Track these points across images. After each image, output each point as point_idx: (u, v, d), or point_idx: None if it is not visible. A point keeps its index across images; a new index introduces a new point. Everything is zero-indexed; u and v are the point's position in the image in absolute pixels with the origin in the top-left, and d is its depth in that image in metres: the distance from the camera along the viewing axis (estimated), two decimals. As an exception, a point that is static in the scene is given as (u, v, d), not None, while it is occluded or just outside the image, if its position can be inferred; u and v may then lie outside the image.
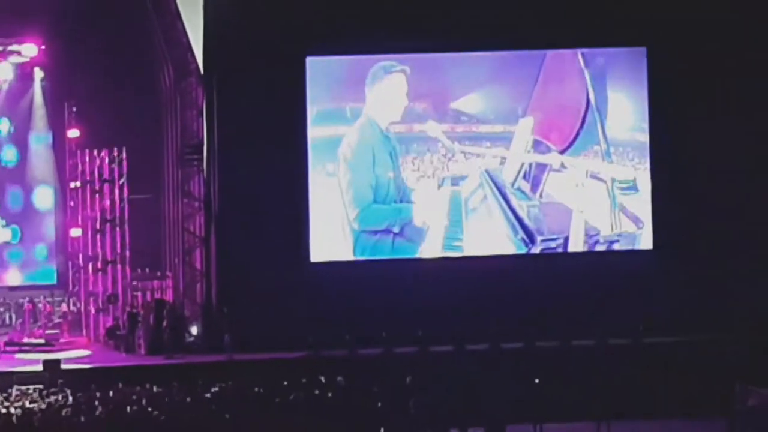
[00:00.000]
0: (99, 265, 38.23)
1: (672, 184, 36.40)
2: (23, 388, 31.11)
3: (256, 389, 29.62)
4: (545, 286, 35.30)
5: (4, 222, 40.18)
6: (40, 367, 32.92)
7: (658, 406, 28.29)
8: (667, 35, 36.15)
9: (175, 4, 35.73)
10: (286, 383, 29.84)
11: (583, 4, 35.67)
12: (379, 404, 27.75)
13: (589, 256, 37.05)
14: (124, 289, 37.93)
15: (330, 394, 29.20)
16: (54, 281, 40.16)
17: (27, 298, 38.99)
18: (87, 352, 36.37)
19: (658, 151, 36.64)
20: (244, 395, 29.45)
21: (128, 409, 27.92)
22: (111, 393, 29.71)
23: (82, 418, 26.93)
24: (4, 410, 28.09)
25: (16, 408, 28.36)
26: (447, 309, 33.92)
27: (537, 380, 29.48)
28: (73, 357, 35.16)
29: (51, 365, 32.98)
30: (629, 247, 37.25)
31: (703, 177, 35.94)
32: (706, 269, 35.47)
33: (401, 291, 34.82)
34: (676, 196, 36.31)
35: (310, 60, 36.10)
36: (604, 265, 36.50)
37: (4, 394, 30.23)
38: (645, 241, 37.18)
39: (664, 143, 36.61)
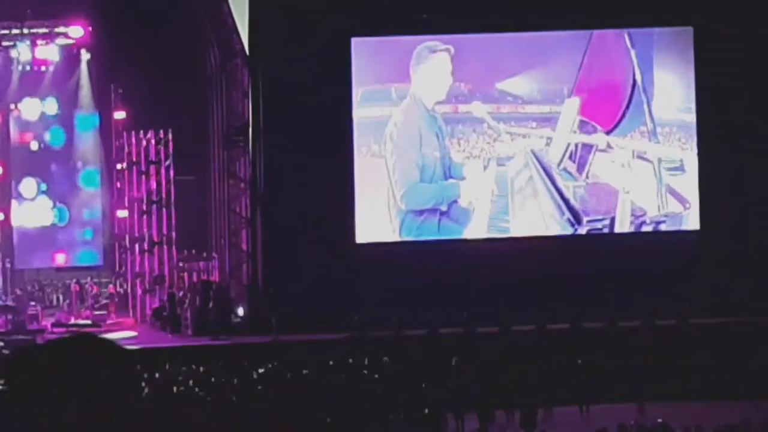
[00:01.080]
0: (145, 246, 38.47)
1: (719, 164, 36.29)
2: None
3: (302, 371, 29.87)
4: (592, 267, 35.19)
5: (51, 203, 40.33)
6: (85, 345, 33.23)
7: (704, 387, 28.07)
8: (713, 16, 36.00)
9: (221, -16, 35.95)
10: (331, 363, 30.05)
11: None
12: (423, 384, 27.91)
13: (635, 236, 37.16)
14: (170, 271, 38.15)
15: (375, 375, 29.40)
16: (101, 262, 40.27)
17: (74, 280, 39.17)
18: (133, 333, 36.61)
19: (705, 131, 36.57)
20: (290, 376, 29.66)
21: (174, 389, 28.17)
22: (157, 374, 29.97)
23: (129, 396, 27.21)
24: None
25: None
26: (493, 290, 33.94)
27: (580, 361, 29.62)
28: (120, 338, 35.33)
29: (97, 344, 33.30)
30: (676, 228, 37.24)
31: (750, 158, 35.79)
32: (753, 250, 35.30)
33: (447, 272, 34.84)
34: (723, 177, 36.24)
35: (355, 41, 36.21)
36: (651, 246, 36.59)
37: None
38: (692, 221, 37.20)
39: (711, 124, 36.57)
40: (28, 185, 40.11)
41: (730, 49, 35.93)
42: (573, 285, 34.24)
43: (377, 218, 36.65)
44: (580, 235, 37.06)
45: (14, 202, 40.03)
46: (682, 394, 27.59)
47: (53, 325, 36.91)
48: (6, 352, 33.06)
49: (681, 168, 36.99)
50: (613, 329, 33.20)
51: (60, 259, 40.62)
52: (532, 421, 25.25)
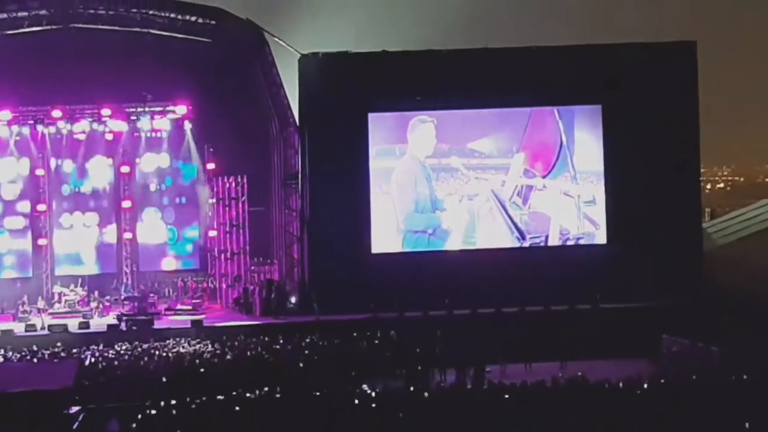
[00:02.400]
0: (228, 255, 38.60)
1: (619, 198, 36.58)
2: (177, 339, 31.60)
3: (335, 340, 30.08)
4: (532, 270, 35.34)
5: (164, 226, 40.49)
6: (189, 325, 33.41)
7: (607, 350, 28.16)
8: (615, 98, 36.37)
9: (279, 77, 36.15)
10: (355, 335, 30.25)
11: (558, 76, 35.77)
12: (418, 350, 28.07)
13: (562, 248, 37.28)
14: (245, 272, 38.23)
15: (385, 343, 29.63)
16: (198, 267, 40.40)
17: (180, 278, 39.34)
18: (222, 314, 36.90)
19: (610, 176, 36.88)
20: (326, 344, 29.86)
21: (248, 353, 28.39)
22: (236, 342, 30.20)
23: (216, 360, 27.40)
24: (164, 354, 28.56)
25: (172, 352, 28.81)
26: (465, 285, 33.98)
27: (526, 333, 29.86)
28: (213, 318, 35.58)
29: (196, 323, 33.52)
30: (590, 242, 37.43)
31: (641, 194, 36.09)
32: (642, 256, 35.54)
33: (434, 272, 34.98)
34: (622, 207, 36.47)
35: (371, 115, 36.40)
36: (573, 255, 36.72)
37: (164, 343, 30.64)
38: (600, 238, 37.47)
39: (613, 171, 36.86)
40: (148, 214, 40.25)
41: (627, 121, 36.35)
42: (520, 281, 34.34)
43: (386, 236, 36.81)
44: (525, 247, 37.18)
45: (139, 225, 40.22)
46: (594, 355, 27.54)
47: (165, 309, 37.17)
48: (135, 328, 33.35)
49: (593, 201, 37.22)
50: (546, 311, 33.33)
51: (170, 264, 40.73)
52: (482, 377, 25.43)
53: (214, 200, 38.85)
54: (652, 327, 29.70)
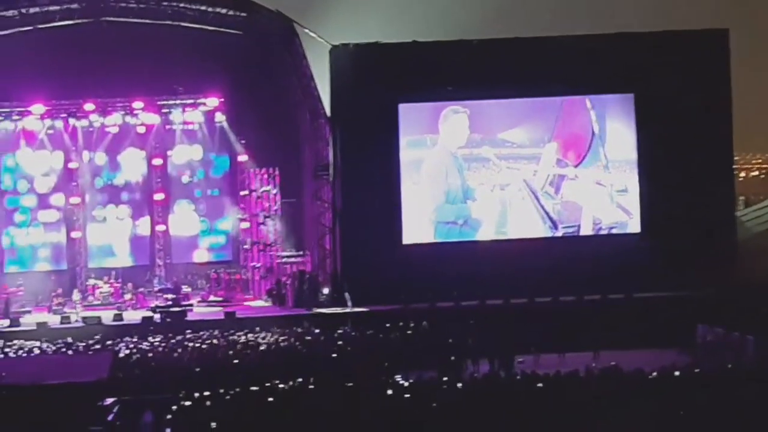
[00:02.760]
0: (261, 247, 38.77)
1: (652, 187, 36.34)
2: (211, 330, 31.71)
3: (367, 331, 30.11)
4: (565, 258, 35.24)
5: (197, 218, 40.70)
6: (222, 317, 33.52)
7: (640, 340, 28.02)
8: (647, 86, 36.11)
9: (310, 69, 36.11)
10: (387, 326, 30.26)
11: (590, 65, 35.61)
12: (450, 340, 28.06)
13: (595, 237, 37.15)
14: (277, 264, 38.40)
15: (417, 334, 29.62)
16: (230, 258, 40.56)
17: (213, 270, 39.52)
18: (255, 305, 37.13)
19: (643, 165, 36.60)
20: (358, 335, 29.90)
21: (281, 345, 28.49)
22: (269, 334, 30.29)
23: (249, 352, 27.49)
24: (197, 345, 28.67)
25: (205, 344, 28.92)
26: (498, 275, 33.85)
27: (558, 322, 29.79)
28: (246, 310, 35.71)
29: (229, 315, 33.61)
30: (623, 231, 37.26)
31: (674, 182, 35.86)
32: (675, 245, 35.37)
33: (465, 263, 34.86)
34: (655, 196, 36.28)
35: (401, 106, 36.32)
36: (605, 244, 36.58)
37: (197, 335, 30.75)
38: (633, 226, 37.25)
39: (646, 159, 36.57)
40: (181, 206, 40.49)
41: (660, 109, 36.07)
42: (552, 271, 34.20)
43: (417, 226, 36.78)
44: (557, 237, 37.08)
45: (172, 217, 40.41)
46: (627, 345, 27.37)
47: (198, 301, 37.41)
48: (168, 320, 33.49)
49: (626, 190, 36.98)
50: (579, 301, 33.19)
51: (203, 256, 40.92)
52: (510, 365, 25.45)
53: (247, 192, 39.02)
54: (686, 317, 29.53)
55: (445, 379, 22.65)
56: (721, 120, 36.80)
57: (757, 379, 21.26)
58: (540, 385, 21.18)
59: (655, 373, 21.37)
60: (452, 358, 26.48)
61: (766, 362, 22.96)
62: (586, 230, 37.35)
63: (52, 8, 37.58)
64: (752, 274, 35.08)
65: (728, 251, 36.64)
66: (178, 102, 38.69)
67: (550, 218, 37.27)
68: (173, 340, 29.82)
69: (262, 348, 27.99)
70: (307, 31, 36.25)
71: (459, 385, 21.99)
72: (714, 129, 36.74)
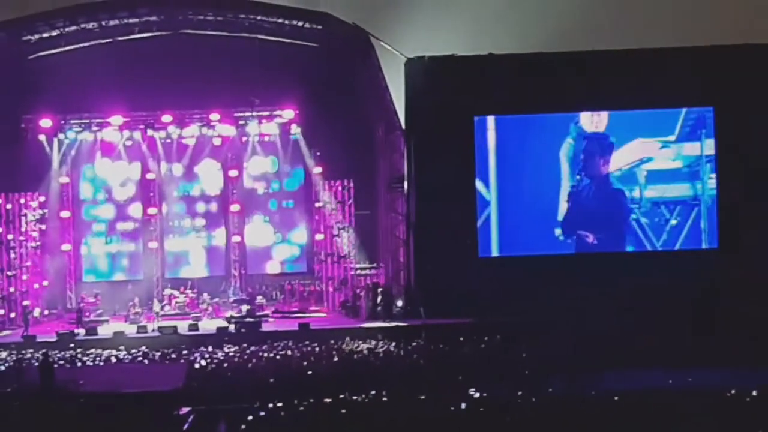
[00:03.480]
0: (335, 258, 38.85)
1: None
2: (285, 341, 31.82)
3: (440, 344, 30.00)
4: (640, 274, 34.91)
5: (272, 230, 40.94)
6: (296, 328, 33.61)
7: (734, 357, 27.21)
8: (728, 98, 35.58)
9: (385, 81, 36.16)
10: (461, 339, 30.15)
11: (666, 77, 35.22)
12: (524, 355, 27.87)
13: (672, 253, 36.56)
14: (351, 276, 38.47)
15: (491, 348, 29.47)
16: (305, 270, 40.71)
17: (287, 281, 39.77)
18: (328, 317, 37.12)
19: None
20: (433, 348, 29.80)
21: (355, 357, 28.47)
22: (343, 346, 30.31)
23: (324, 363, 27.53)
24: (272, 356, 28.77)
25: (280, 355, 29.04)
26: (572, 289, 33.61)
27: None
28: (320, 321, 35.76)
29: (303, 326, 33.69)
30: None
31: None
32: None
33: (541, 280, 34.61)
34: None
35: (478, 119, 36.18)
36: (684, 260, 36.05)
37: (271, 345, 30.85)
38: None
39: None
40: (256, 218, 40.80)
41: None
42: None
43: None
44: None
45: (247, 228, 40.70)
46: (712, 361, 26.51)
47: (273, 312, 37.62)
48: (243, 330, 33.64)
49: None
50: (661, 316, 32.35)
51: (277, 267, 41.13)
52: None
53: (321, 204, 39.13)
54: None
55: (519, 393, 22.54)
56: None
57: None
58: (616, 399, 21.04)
59: (733, 391, 21.07)
60: (526, 372, 26.27)
61: None
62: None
63: (131, 21, 38.15)
64: None
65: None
66: (254, 114, 38.97)
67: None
68: (248, 351, 29.99)
69: (335, 359, 28.04)
70: (382, 43, 36.31)
71: (533, 399, 21.89)
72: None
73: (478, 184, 36.27)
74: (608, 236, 36.84)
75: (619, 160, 36.50)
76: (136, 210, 40.67)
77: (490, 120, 36.46)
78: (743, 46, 36.09)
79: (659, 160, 36.55)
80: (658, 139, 36.41)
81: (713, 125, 36.23)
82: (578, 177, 36.43)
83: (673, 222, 36.53)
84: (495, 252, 36.67)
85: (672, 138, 36.39)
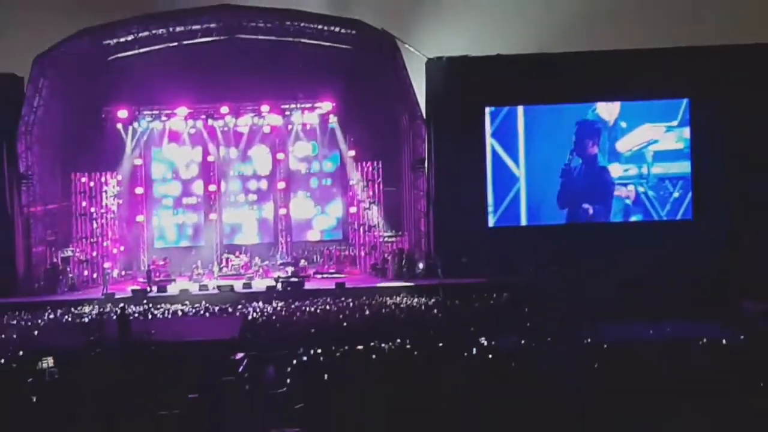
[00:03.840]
0: (366, 228, 38.79)
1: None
2: (324, 297, 31.81)
3: (455, 300, 29.90)
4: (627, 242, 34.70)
5: (312, 203, 40.95)
6: (333, 286, 33.57)
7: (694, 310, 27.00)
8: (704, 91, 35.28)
9: (409, 77, 35.95)
10: (473, 296, 30.03)
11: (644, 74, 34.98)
12: (526, 310, 27.74)
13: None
14: (380, 242, 38.44)
15: (498, 304, 29.34)
16: (341, 237, 40.69)
17: (326, 247, 39.87)
18: (361, 277, 37.11)
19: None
20: (449, 304, 29.70)
21: (383, 311, 28.40)
22: (373, 301, 30.27)
23: (357, 316, 27.45)
24: (313, 310, 28.71)
25: (319, 309, 28.98)
26: (567, 253, 33.55)
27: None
28: (354, 281, 35.74)
29: (339, 285, 33.63)
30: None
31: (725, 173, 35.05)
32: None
33: (547, 246, 34.61)
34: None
35: (487, 109, 35.99)
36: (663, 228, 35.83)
37: (313, 301, 30.84)
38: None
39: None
40: (300, 194, 40.82)
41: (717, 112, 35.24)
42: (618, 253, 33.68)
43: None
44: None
45: (292, 203, 40.72)
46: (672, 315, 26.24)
47: (314, 273, 37.70)
48: (288, 288, 33.64)
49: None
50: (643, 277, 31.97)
51: (317, 235, 41.12)
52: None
53: (354, 181, 39.02)
54: (734, 292, 28.65)
55: (522, 342, 22.41)
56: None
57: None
58: (605, 346, 20.88)
59: (704, 340, 20.90)
60: (528, 324, 26.10)
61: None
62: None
63: (194, 27, 38.21)
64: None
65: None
66: (297, 106, 38.99)
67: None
68: (292, 306, 29.98)
69: (366, 313, 27.98)
70: (406, 45, 36.22)
71: (533, 345, 21.79)
72: (762, 127, 35.31)
73: (510, 163, 36.38)
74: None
75: (629, 142, 36.50)
76: (198, 187, 40.83)
77: (520, 110, 36.40)
78: (718, 47, 35.83)
79: (664, 142, 36.48)
80: (665, 124, 36.52)
81: (688, 114, 35.99)
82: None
83: (676, 195, 36.55)
84: (524, 222, 36.65)
85: (675, 123, 36.35)
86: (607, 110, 36.18)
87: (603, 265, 32.72)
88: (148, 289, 34.74)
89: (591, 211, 36.49)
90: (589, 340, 21.82)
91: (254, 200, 40.97)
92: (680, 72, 35.19)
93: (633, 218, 36.49)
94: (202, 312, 29.70)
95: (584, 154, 36.28)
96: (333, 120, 39.39)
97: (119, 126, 38.89)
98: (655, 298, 29.00)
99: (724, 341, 20.90)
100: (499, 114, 36.23)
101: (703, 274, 31.60)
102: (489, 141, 36.14)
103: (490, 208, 36.20)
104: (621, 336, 22.09)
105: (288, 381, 20.09)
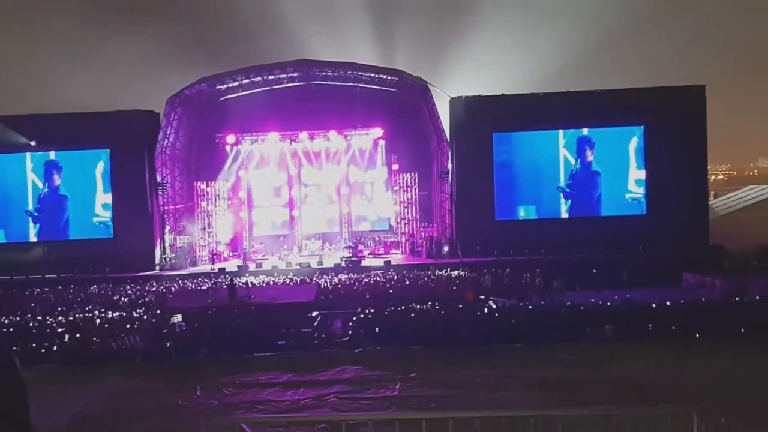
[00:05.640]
0: (406, 221, 38.73)
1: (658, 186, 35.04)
2: (376, 271, 31.82)
3: (473, 274, 29.85)
4: (589, 230, 34.30)
5: (367, 203, 40.94)
6: (382, 264, 33.64)
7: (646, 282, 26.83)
8: (653, 121, 34.84)
9: (437, 111, 35.83)
10: (484, 271, 29.97)
11: (605, 108, 34.53)
12: (523, 281, 27.57)
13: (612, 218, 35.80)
14: (416, 231, 38.32)
15: (503, 277, 29.19)
16: (388, 228, 40.65)
17: (377, 235, 39.79)
18: (402, 257, 36.98)
19: (650, 171, 35.24)
20: (465, 275, 29.64)
21: (419, 282, 28.47)
22: (411, 274, 30.31)
23: (399, 285, 27.55)
24: (368, 281, 28.84)
25: (373, 280, 29.10)
26: (561, 240, 33.24)
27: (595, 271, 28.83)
28: (396, 259, 35.73)
29: (387, 263, 33.76)
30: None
31: (670, 183, 34.55)
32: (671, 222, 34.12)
33: (541, 232, 34.27)
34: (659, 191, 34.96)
35: (495, 135, 35.78)
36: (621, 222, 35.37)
37: (368, 274, 30.94)
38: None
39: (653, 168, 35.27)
40: (358, 197, 40.89)
41: (661, 137, 34.72)
42: (583, 237, 33.33)
43: (505, 209, 36.02)
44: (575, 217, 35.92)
45: (352, 203, 40.82)
46: (638, 286, 26.08)
47: (369, 254, 37.69)
48: (350, 265, 33.75)
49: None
50: (609, 257, 31.89)
51: (370, 226, 41.11)
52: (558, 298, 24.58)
53: (396, 188, 38.99)
54: (677, 268, 28.39)
55: (521, 304, 22.38)
56: (701, 144, 35.17)
57: (724, 307, 20.54)
58: (582, 308, 20.81)
59: (655, 303, 20.74)
60: (524, 292, 25.99)
61: (729, 297, 21.92)
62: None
63: (281, 76, 38.57)
64: (719, 240, 33.94)
65: (704, 226, 35.11)
66: (356, 132, 38.97)
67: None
68: (353, 278, 30.18)
69: (407, 283, 28.08)
70: (436, 88, 36.15)
71: (529, 307, 21.74)
72: (696, 149, 35.10)
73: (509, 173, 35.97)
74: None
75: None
76: (284, 192, 41.01)
77: (517, 135, 35.81)
78: (664, 88, 35.55)
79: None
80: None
81: (643, 137, 35.57)
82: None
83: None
84: (521, 216, 35.94)
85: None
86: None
87: (577, 249, 32.64)
88: (249, 265, 35.12)
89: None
90: (569, 303, 21.73)
91: (325, 201, 41.10)
92: (634, 106, 34.86)
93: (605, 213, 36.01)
94: (287, 282, 30.02)
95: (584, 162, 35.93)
96: (381, 143, 39.38)
97: (227, 148, 39.26)
98: (620, 272, 28.81)
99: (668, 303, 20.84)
100: (502, 138, 35.88)
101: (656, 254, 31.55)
102: (494, 157, 35.78)
103: (496, 206, 35.88)
104: (587, 300, 21.98)
105: (350, 332, 20.33)
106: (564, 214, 35.72)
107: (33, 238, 36.24)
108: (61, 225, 36.38)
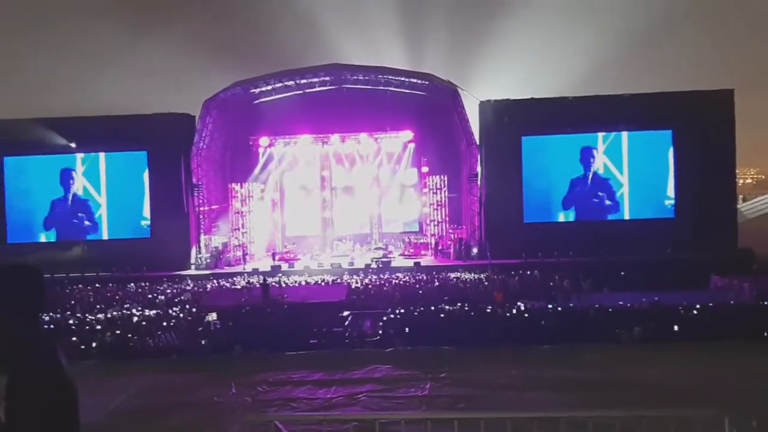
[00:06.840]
0: (436, 223, 38.71)
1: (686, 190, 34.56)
2: (405, 272, 31.84)
3: (502, 275, 29.69)
4: (620, 233, 33.95)
5: (398, 205, 40.99)
6: (412, 265, 33.61)
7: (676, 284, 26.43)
8: (683, 123, 34.43)
9: (466, 115, 35.72)
10: (512, 273, 29.79)
11: (631, 111, 34.15)
12: (551, 283, 27.42)
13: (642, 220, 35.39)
14: (445, 232, 38.25)
15: (531, 279, 29.01)
16: (417, 230, 40.64)
17: (407, 236, 39.71)
18: (430, 259, 36.86)
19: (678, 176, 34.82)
20: (495, 277, 29.48)
21: (447, 283, 28.39)
22: (440, 275, 30.27)
23: (428, 286, 27.49)
24: (397, 281, 28.82)
25: (402, 280, 29.08)
26: (576, 244, 32.99)
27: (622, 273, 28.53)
28: (426, 261, 35.66)
29: (417, 264, 33.82)
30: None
31: (699, 187, 34.09)
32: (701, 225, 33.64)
33: (567, 236, 34.00)
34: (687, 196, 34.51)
35: (524, 138, 35.59)
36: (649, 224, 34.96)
37: (397, 275, 30.89)
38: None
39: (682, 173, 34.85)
40: (388, 198, 40.96)
41: (694, 141, 34.28)
42: (611, 240, 33.04)
43: (534, 212, 35.81)
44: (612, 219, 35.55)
45: (382, 204, 40.90)
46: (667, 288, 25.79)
47: (398, 255, 37.74)
48: (380, 265, 33.72)
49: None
50: (634, 259, 31.52)
51: (401, 228, 41.18)
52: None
53: (426, 190, 38.96)
54: (705, 270, 27.97)
55: (549, 306, 22.23)
56: (730, 147, 34.71)
57: (752, 310, 20.24)
58: (610, 311, 20.64)
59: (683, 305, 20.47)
60: (553, 293, 25.83)
61: (757, 300, 21.58)
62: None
63: (313, 80, 38.75)
64: (747, 243, 33.42)
65: (732, 229, 34.64)
66: (386, 136, 39.06)
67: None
68: (383, 278, 30.19)
69: (436, 284, 28.02)
70: (465, 91, 36.10)
71: (559, 309, 21.60)
72: (726, 153, 34.62)
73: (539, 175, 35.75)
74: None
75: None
76: (316, 193, 41.19)
77: (546, 138, 35.48)
78: (693, 92, 35.13)
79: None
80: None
81: (672, 141, 35.16)
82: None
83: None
84: (550, 219, 35.75)
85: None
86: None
87: (605, 252, 32.27)
88: (282, 264, 35.29)
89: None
90: (597, 305, 21.52)
91: (355, 203, 41.21)
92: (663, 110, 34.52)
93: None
94: (319, 282, 30.12)
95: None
96: (411, 145, 39.42)
97: (261, 150, 39.54)
98: (649, 272, 28.42)
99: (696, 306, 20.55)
100: (531, 141, 35.66)
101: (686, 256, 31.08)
102: (523, 160, 35.57)
103: (524, 209, 35.61)
104: (615, 302, 21.76)
105: (380, 332, 20.34)
106: (594, 218, 35.45)
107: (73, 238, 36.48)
108: (87, 227, 36.61)
